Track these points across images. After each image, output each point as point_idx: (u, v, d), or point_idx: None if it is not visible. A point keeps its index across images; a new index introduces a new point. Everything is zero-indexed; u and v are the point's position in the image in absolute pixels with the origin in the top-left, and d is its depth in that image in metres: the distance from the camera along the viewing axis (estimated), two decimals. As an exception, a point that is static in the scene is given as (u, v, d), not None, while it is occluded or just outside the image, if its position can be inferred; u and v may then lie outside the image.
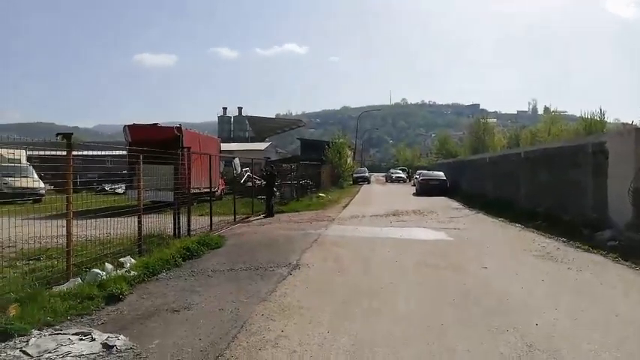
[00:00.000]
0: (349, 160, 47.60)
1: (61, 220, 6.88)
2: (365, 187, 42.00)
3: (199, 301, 5.83)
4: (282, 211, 17.94)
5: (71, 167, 6.46)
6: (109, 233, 8.29)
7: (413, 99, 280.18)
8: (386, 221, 14.80)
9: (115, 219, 8.35)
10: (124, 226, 8.43)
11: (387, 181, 53.29)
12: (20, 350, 4.11)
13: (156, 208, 10.01)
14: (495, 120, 72.47)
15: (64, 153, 6.46)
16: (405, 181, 49.75)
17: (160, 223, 9.79)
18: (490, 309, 5.44)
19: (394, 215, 16.44)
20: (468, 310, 5.46)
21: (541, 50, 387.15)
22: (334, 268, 7.98)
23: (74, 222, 6.67)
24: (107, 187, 25.05)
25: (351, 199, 25.50)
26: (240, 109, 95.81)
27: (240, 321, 5.05)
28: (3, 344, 4.24)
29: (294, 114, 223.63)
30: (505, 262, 8.44)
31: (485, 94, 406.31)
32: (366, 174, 52.43)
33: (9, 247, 8.19)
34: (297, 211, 18.33)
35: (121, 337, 4.45)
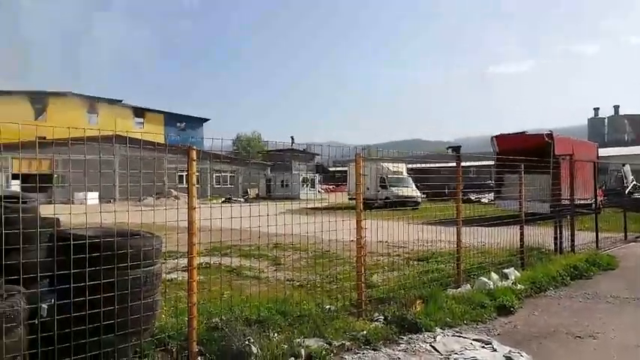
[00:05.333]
0: None
1: (434, 226, 7.39)
2: None
3: (604, 331, 5.00)
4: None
5: (460, 177, 6.79)
6: (484, 242, 8.27)
7: None
8: None
9: (487, 228, 8.27)
10: (496, 236, 8.26)
11: None
12: (430, 345, 4.49)
13: (530, 219, 9.44)
14: None
15: (454, 164, 6.87)
16: None
17: (535, 235, 9.16)
18: None
19: None
20: None
21: None
22: None
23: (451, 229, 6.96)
24: (472, 197, 26.02)
25: None
26: (616, 107, 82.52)
27: (672, 368, 4.00)
28: (415, 336, 4.73)
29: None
30: None
31: None
32: None
33: (402, 247, 9.48)
34: None
35: (524, 354, 4.24)
